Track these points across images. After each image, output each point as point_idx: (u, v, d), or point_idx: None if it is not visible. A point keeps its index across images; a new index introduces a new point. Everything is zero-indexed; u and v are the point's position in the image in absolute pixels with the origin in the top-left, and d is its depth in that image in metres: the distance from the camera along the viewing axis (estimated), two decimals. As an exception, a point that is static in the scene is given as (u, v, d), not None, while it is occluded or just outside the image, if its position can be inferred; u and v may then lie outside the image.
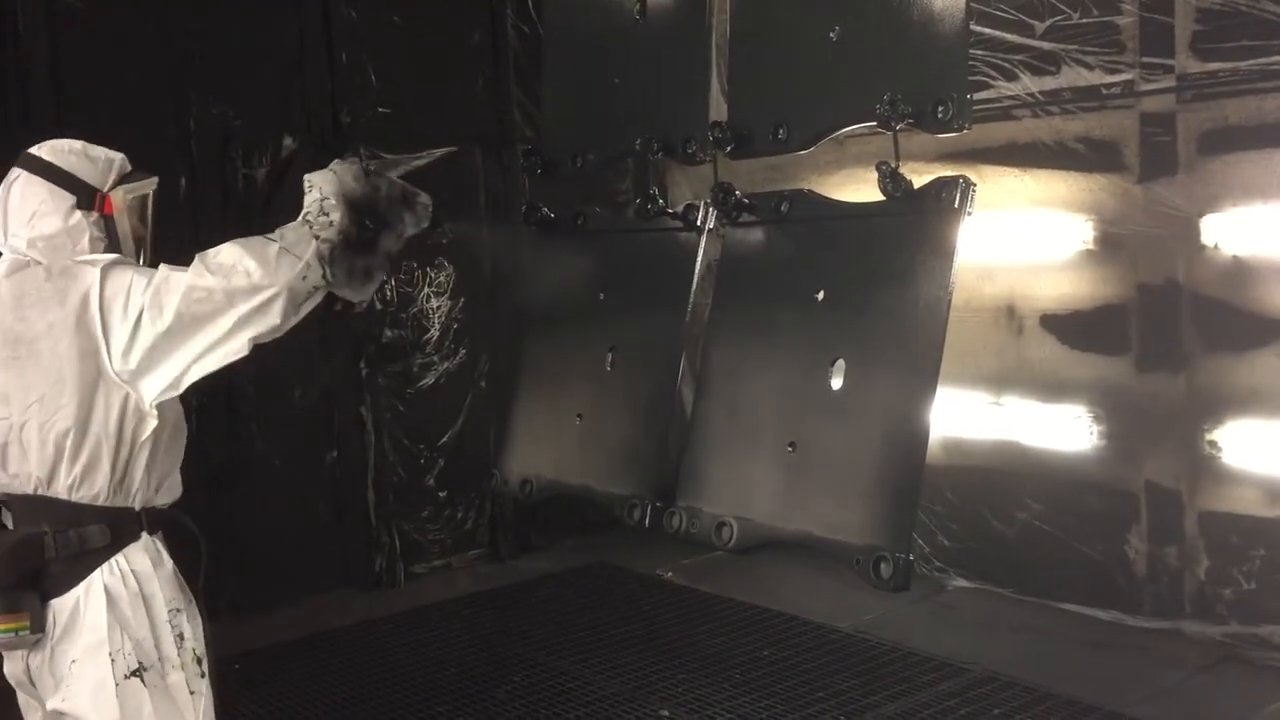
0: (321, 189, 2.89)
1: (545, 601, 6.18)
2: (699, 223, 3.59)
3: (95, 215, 2.86)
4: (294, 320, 2.79)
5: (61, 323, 2.71)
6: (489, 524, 6.84)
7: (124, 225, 2.90)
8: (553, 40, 4.42)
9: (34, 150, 2.90)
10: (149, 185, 2.98)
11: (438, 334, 6.57)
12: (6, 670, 2.90)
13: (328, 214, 2.85)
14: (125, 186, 2.91)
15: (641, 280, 3.74)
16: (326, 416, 6.32)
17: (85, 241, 2.83)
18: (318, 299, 2.83)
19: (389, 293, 6.37)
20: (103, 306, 2.70)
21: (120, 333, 2.69)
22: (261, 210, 5.98)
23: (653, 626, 5.73)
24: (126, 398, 2.74)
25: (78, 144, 2.92)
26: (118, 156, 2.95)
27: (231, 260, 2.71)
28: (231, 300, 2.70)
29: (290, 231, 2.82)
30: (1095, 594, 5.50)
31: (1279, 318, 4.88)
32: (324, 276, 2.79)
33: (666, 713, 4.77)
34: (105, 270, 2.74)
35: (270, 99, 6.04)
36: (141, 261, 2.94)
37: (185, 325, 2.69)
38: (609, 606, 6.02)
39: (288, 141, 6.06)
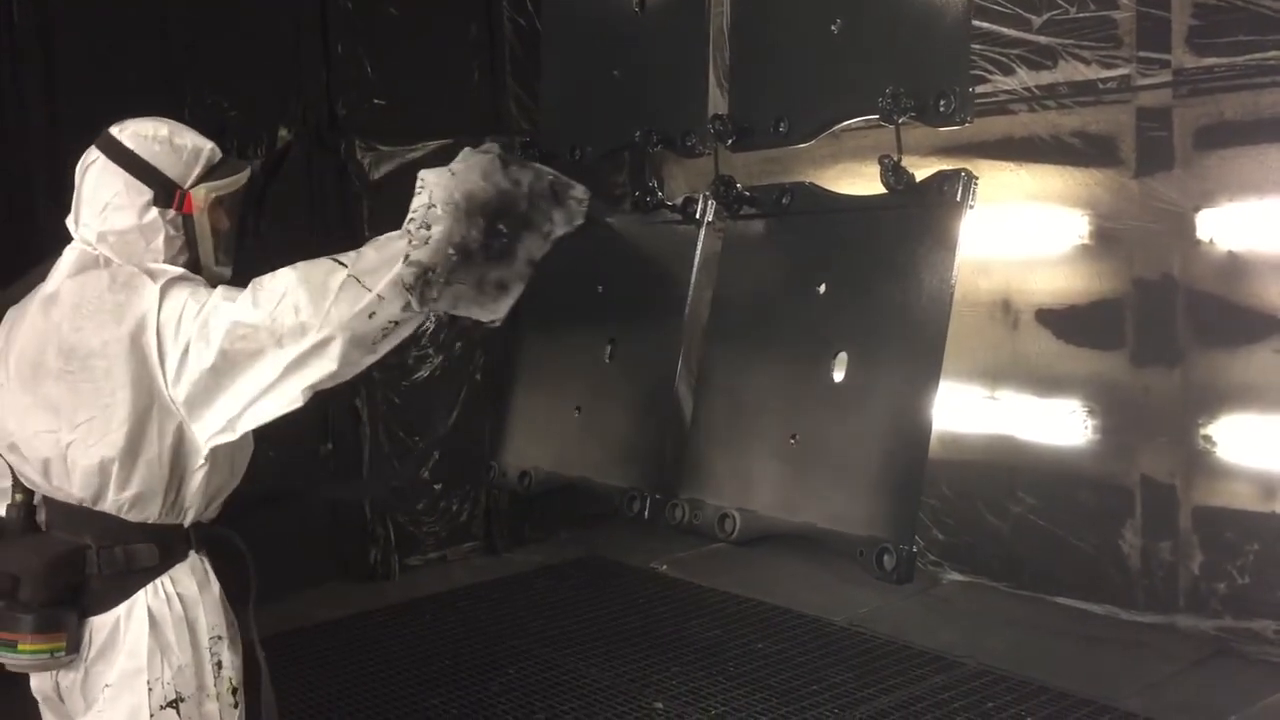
0: (431, 192, 2.46)
1: (540, 594, 6.18)
2: (698, 215, 3.58)
3: (172, 214, 2.60)
4: (369, 361, 2.48)
5: (116, 343, 2.48)
6: (484, 517, 6.84)
7: (204, 224, 2.62)
8: (551, 32, 4.40)
9: (116, 131, 2.64)
10: (236, 182, 2.69)
11: (432, 326, 6.54)
12: (34, 684, 2.74)
13: (429, 226, 2.42)
14: (208, 184, 2.63)
15: (641, 273, 3.73)
16: (321, 409, 6.30)
17: (160, 241, 2.59)
18: (407, 330, 2.47)
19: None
20: (159, 330, 2.46)
21: (172, 360, 2.46)
22: (255, 202, 5.96)
23: (647, 619, 5.74)
24: (181, 426, 2.51)
25: (165, 128, 2.64)
26: (206, 147, 2.67)
27: (281, 291, 2.39)
28: (278, 341, 2.39)
29: (374, 250, 2.43)
30: (1089, 588, 5.52)
31: (1274, 313, 4.90)
32: (410, 307, 2.41)
33: (660, 705, 4.77)
34: (165, 288, 2.50)
35: (266, 90, 6.03)
36: (220, 259, 2.68)
37: (230, 365, 2.42)
38: (603, 599, 6.03)
39: (283, 133, 6.05)
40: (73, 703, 2.66)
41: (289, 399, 2.44)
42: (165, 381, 2.47)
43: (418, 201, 2.47)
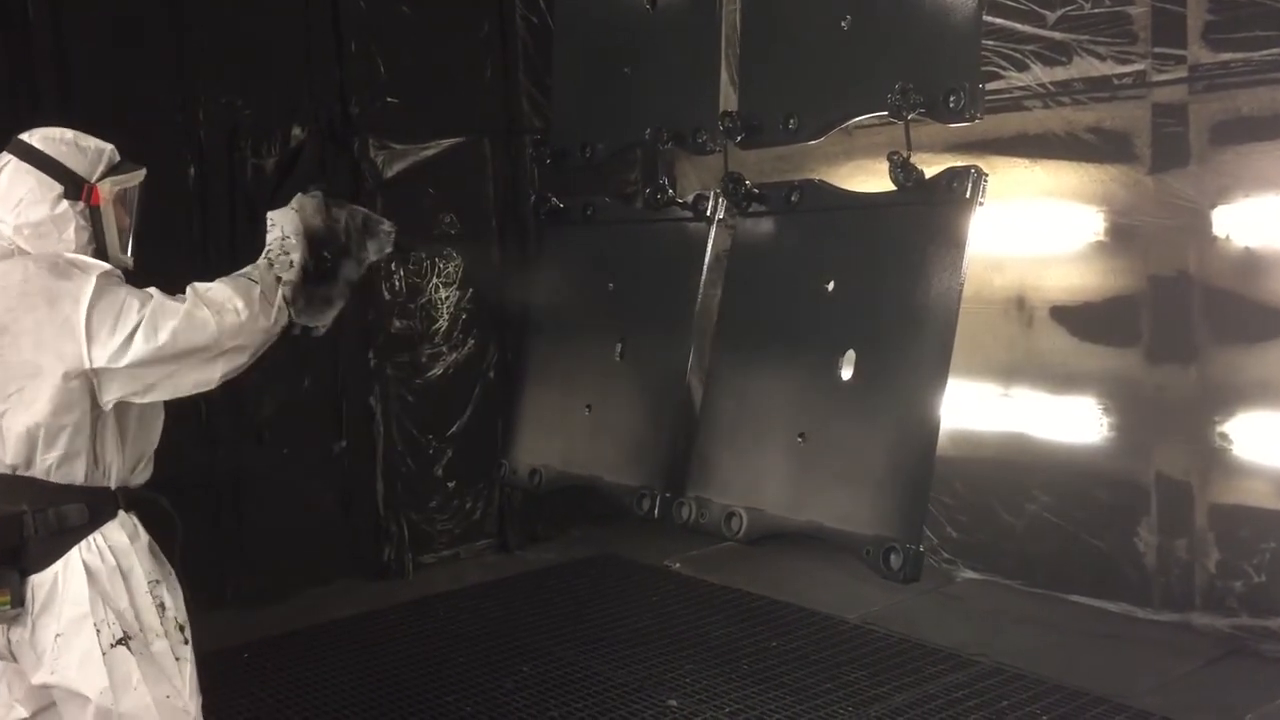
0: (283, 227, 3.07)
1: (553, 592, 6.18)
2: (709, 213, 3.58)
3: (81, 205, 2.90)
4: (256, 358, 2.97)
5: (48, 322, 2.77)
6: (497, 514, 6.84)
7: (109, 216, 2.94)
8: (563, 30, 4.41)
9: (25, 137, 2.94)
10: (136, 178, 3.03)
11: (446, 324, 6.57)
12: None
13: (288, 253, 3.03)
14: (113, 179, 2.96)
15: (651, 271, 3.73)
16: (335, 407, 6.32)
17: (71, 231, 2.90)
18: (277, 331, 3.00)
19: (398, 284, 6.37)
20: (90, 317, 2.77)
21: (108, 343, 2.77)
22: (270, 200, 5.98)
23: (660, 617, 5.74)
24: (89, 376, 2.81)
25: (69, 133, 2.95)
26: (107, 147, 2.99)
27: (223, 298, 2.87)
28: (219, 334, 2.84)
29: (258, 273, 2.98)
30: (1104, 586, 5.49)
31: (1290, 309, 4.86)
32: (290, 316, 3.00)
33: (675, 703, 4.77)
34: (100, 281, 2.80)
35: (279, 89, 6.04)
36: (126, 251, 3.02)
37: (176, 347, 2.80)
38: (616, 597, 6.03)
39: (296, 131, 6.06)
40: (24, 658, 2.90)
41: (207, 381, 2.88)
42: (88, 356, 2.76)
43: (272, 235, 3.06)
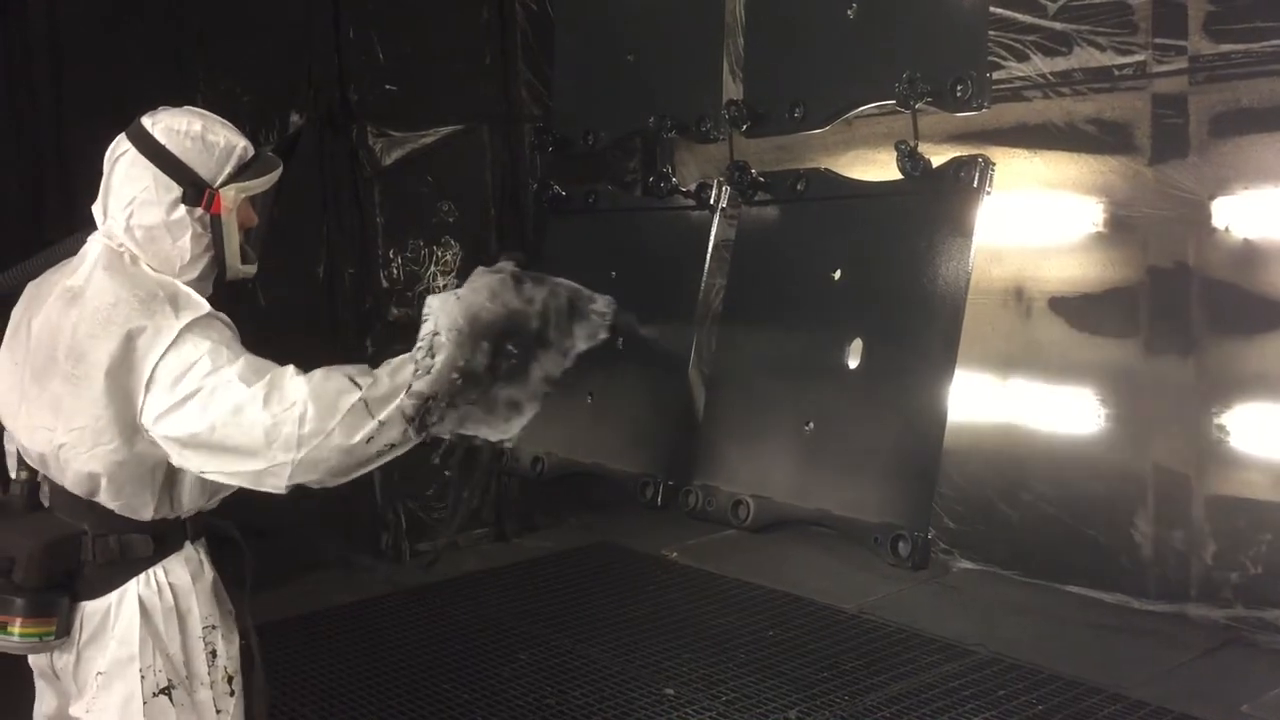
0: (437, 319, 2.44)
1: (550, 580, 6.18)
2: (712, 201, 3.58)
3: (200, 212, 2.58)
4: (355, 475, 2.46)
5: (119, 360, 2.44)
6: (494, 503, 6.84)
7: (231, 224, 2.60)
8: (565, 17, 4.40)
9: (148, 123, 2.60)
10: (267, 182, 2.68)
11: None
12: (31, 659, 2.76)
13: (434, 354, 2.41)
14: (239, 184, 2.61)
15: (654, 259, 3.73)
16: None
17: (186, 239, 2.58)
18: (404, 449, 2.45)
19: (396, 271, 6.36)
20: (155, 370, 2.43)
21: (160, 401, 2.43)
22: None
23: (658, 606, 5.74)
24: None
25: (198, 123, 2.60)
26: (239, 144, 2.63)
27: (292, 400, 2.36)
28: (266, 445, 2.37)
29: (387, 376, 2.41)
30: (1101, 577, 5.50)
31: (1289, 302, 4.87)
32: (407, 434, 2.40)
33: (671, 691, 4.77)
34: (184, 332, 2.45)
35: (277, 75, 6.02)
36: (250, 260, 2.69)
37: (212, 440, 2.40)
38: (614, 586, 6.03)
39: (294, 118, 6.04)
40: (66, 684, 2.69)
41: (269, 487, 2.44)
42: (142, 409, 2.44)
43: (424, 329, 2.45)
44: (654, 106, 3.71)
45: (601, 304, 2.54)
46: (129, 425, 2.46)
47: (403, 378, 2.40)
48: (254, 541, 2.80)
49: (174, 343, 2.43)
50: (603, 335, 2.54)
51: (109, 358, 2.44)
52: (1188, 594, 5.26)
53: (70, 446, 2.50)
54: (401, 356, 2.45)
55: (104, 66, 5.42)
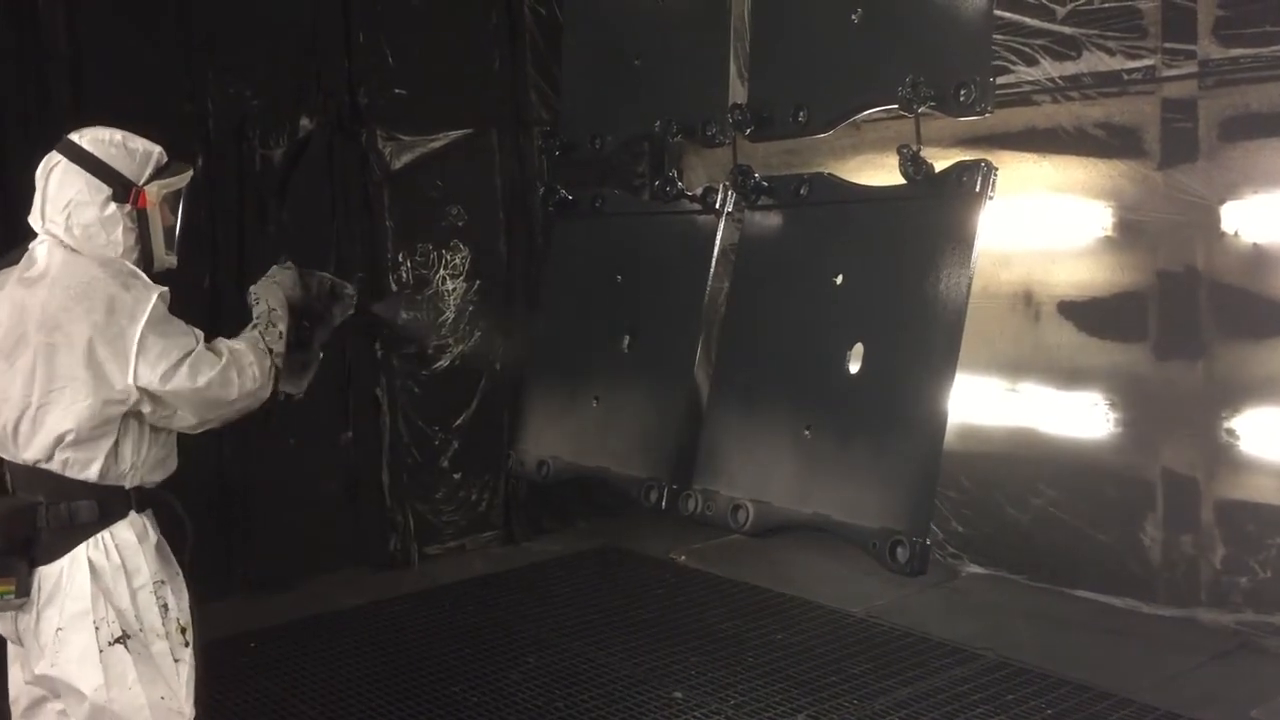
0: (267, 300, 3.22)
1: (558, 584, 6.19)
2: (717, 205, 3.58)
3: (129, 208, 2.97)
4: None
5: (104, 329, 2.83)
6: (503, 506, 6.85)
7: (156, 218, 3.01)
8: (573, 21, 4.40)
9: (75, 137, 2.99)
10: (183, 180, 3.10)
11: (453, 316, 6.57)
12: (1, 628, 3.07)
13: (276, 325, 3.18)
14: (160, 182, 3.02)
15: (659, 263, 3.73)
16: (342, 397, 6.33)
17: (119, 233, 2.96)
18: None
19: (405, 275, 6.39)
20: (145, 334, 2.85)
21: (156, 366, 2.87)
22: (278, 190, 6.00)
23: (665, 610, 5.74)
24: (128, 404, 2.89)
25: (118, 134, 3.01)
26: (155, 150, 3.05)
27: (246, 362, 3.03)
28: (239, 395, 3.01)
29: (265, 341, 3.13)
30: (1110, 581, 5.49)
31: (1299, 306, 4.86)
32: (277, 384, 3.15)
33: (680, 694, 4.78)
34: (159, 303, 2.90)
35: (288, 79, 6.04)
36: (171, 251, 3.09)
37: (206, 395, 2.94)
38: (622, 589, 6.04)
39: (305, 122, 6.07)
40: (29, 645, 2.98)
41: (194, 428, 3.01)
42: (134, 372, 2.85)
43: (259, 309, 3.20)
44: (661, 110, 3.71)
45: (350, 288, 3.47)
46: (105, 383, 2.84)
47: (265, 344, 3.12)
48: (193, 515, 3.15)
49: (154, 312, 2.86)
50: (350, 311, 3.47)
51: (91, 325, 2.83)
52: (1197, 598, 5.25)
53: (48, 407, 2.86)
54: (249, 333, 3.14)
55: (118, 71, 5.46)
